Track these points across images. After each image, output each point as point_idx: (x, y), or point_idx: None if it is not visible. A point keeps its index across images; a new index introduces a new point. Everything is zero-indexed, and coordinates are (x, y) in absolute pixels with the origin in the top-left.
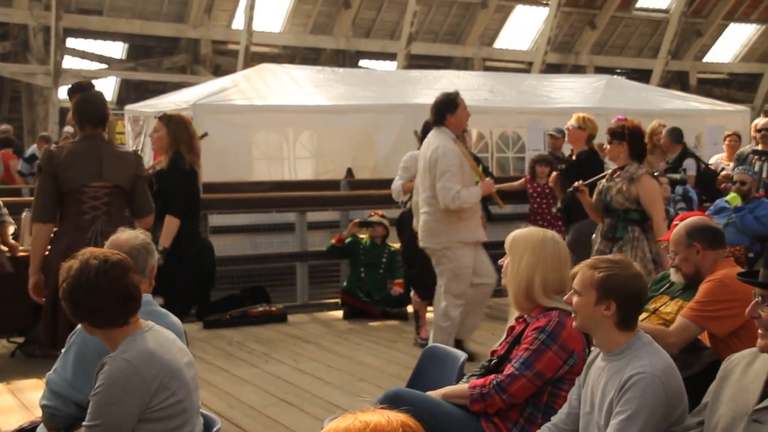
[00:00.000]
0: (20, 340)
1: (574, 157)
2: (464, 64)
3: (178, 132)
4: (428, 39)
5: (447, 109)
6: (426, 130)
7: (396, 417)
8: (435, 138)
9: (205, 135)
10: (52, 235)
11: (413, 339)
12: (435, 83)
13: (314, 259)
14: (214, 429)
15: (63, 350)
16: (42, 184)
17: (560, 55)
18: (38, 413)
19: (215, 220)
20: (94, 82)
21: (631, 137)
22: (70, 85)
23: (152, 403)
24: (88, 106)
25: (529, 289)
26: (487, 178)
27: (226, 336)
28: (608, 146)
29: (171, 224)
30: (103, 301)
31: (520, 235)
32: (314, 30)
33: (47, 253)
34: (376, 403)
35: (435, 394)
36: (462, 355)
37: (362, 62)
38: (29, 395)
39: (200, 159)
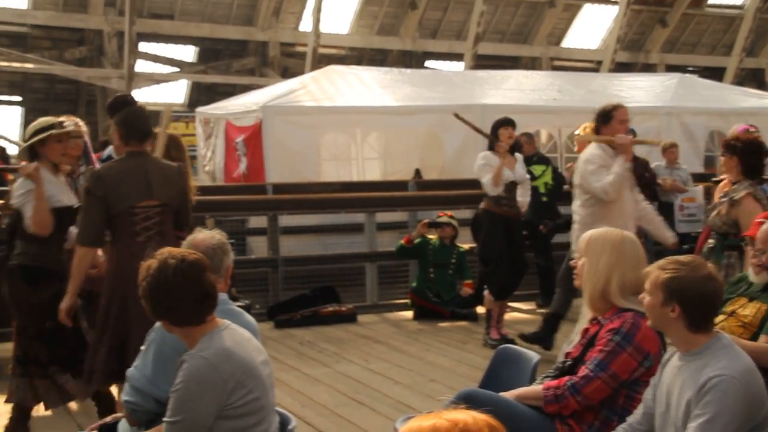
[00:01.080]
0: None
1: None
2: (531, 63)
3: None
4: (495, 39)
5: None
6: (494, 129)
7: (480, 416)
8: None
9: None
10: (107, 257)
11: (483, 340)
12: (503, 83)
13: (383, 259)
14: (289, 427)
15: (143, 347)
16: (89, 206)
17: (630, 54)
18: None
19: (285, 220)
20: (167, 84)
21: (743, 151)
22: (109, 101)
23: (230, 400)
24: (136, 120)
25: (605, 290)
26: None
27: (296, 335)
28: (722, 159)
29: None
30: (181, 299)
31: (596, 234)
32: (381, 31)
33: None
34: (450, 403)
35: (509, 395)
36: (535, 357)
37: (428, 63)
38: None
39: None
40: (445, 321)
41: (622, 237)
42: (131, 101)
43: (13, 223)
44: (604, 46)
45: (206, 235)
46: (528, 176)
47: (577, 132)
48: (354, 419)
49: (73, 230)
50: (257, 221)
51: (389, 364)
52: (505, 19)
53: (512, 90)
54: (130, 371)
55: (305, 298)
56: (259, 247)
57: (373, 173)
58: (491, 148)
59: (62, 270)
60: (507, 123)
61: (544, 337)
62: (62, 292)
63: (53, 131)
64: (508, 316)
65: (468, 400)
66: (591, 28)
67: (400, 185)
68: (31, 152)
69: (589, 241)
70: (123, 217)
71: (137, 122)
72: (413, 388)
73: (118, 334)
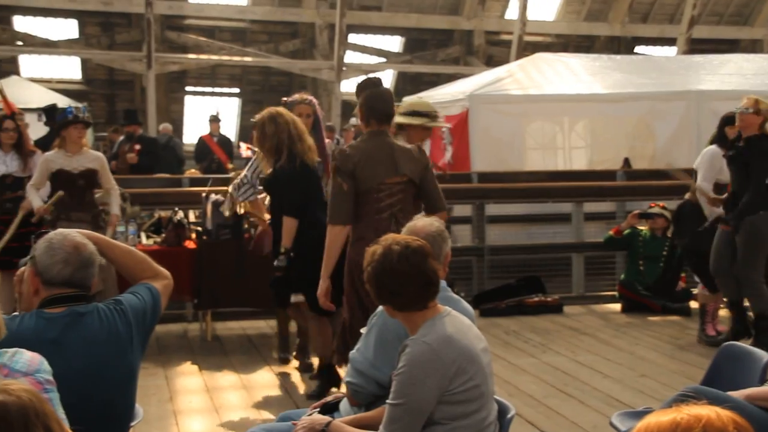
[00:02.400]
0: None
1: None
2: (752, 46)
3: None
4: (712, 21)
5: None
6: (723, 125)
7: (725, 413)
8: None
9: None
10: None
11: (697, 336)
12: (720, 68)
13: (590, 250)
14: (509, 415)
15: (364, 331)
16: (338, 185)
17: None
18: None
19: (491, 209)
20: (374, 75)
21: None
22: (358, 81)
23: (451, 386)
24: (377, 102)
25: None
26: None
27: (502, 325)
28: None
29: (289, 224)
30: (404, 285)
31: None
32: (588, 17)
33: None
34: (674, 400)
35: (737, 394)
36: (765, 355)
37: (638, 48)
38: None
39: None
40: (655, 315)
41: None
42: (377, 83)
43: None
44: None
45: (426, 222)
46: None
47: (744, 106)
48: (563, 411)
49: None
50: (461, 210)
51: (597, 357)
52: (723, 0)
53: (731, 75)
54: (353, 354)
55: (510, 288)
56: (462, 236)
57: (579, 162)
58: (719, 141)
59: None
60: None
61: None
62: None
63: None
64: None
65: (694, 398)
66: None
67: (608, 175)
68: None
69: None
70: (369, 194)
71: (378, 104)
72: (623, 383)
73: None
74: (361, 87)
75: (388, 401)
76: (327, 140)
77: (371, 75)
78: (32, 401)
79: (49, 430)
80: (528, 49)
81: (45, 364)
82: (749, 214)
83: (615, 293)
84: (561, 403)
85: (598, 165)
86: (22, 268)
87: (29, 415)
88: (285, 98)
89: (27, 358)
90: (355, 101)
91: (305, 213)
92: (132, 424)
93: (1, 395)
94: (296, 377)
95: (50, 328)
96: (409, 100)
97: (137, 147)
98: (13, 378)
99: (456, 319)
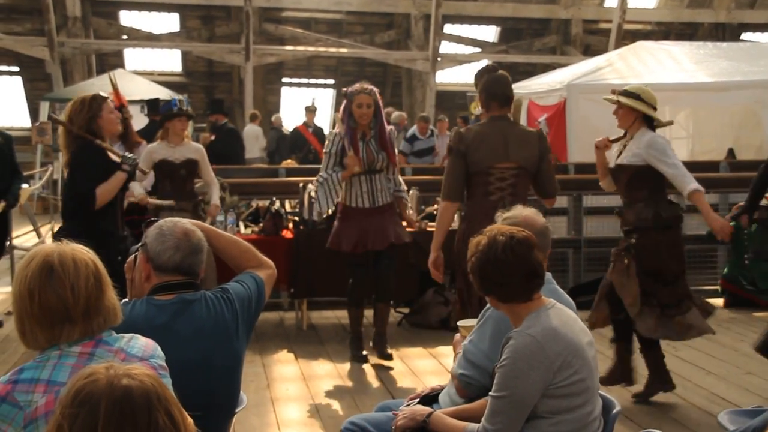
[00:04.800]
0: (406, 310)
1: None
2: None
3: None
4: None
5: None
6: None
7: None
8: None
9: None
10: (462, 214)
11: None
12: None
13: (691, 243)
14: (614, 411)
15: (479, 321)
16: (451, 164)
17: None
18: (427, 381)
19: (589, 201)
20: (468, 65)
21: None
22: (477, 70)
23: (555, 379)
24: (495, 85)
25: None
26: None
27: None
28: None
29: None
30: (509, 276)
31: None
32: (691, 3)
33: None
34: None
35: None
36: None
37: (745, 35)
38: (416, 363)
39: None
40: (760, 311)
41: None
42: (494, 69)
43: None
44: None
45: (531, 212)
46: None
47: None
48: (665, 408)
49: None
50: (556, 201)
51: (700, 353)
52: None
53: None
54: (466, 345)
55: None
56: (558, 228)
57: (680, 153)
58: None
59: None
60: None
61: None
62: None
63: None
64: None
65: None
66: None
67: (711, 166)
68: None
69: None
70: (479, 176)
71: (496, 88)
72: (728, 380)
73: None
74: (478, 75)
75: (490, 393)
76: (389, 126)
77: (488, 64)
78: (155, 386)
79: (171, 414)
80: (627, 37)
81: (159, 350)
82: None
83: (717, 288)
84: (662, 399)
85: (700, 156)
86: (133, 255)
87: (152, 400)
88: (345, 89)
89: (142, 343)
90: (449, 91)
91: None
92: (237, 410)
93: (125, 379)
94: (392, 368)
95: (160, 315)
96: (637, 84)
97: (211, 137)
98: (129, 363)
99: (561, 311)
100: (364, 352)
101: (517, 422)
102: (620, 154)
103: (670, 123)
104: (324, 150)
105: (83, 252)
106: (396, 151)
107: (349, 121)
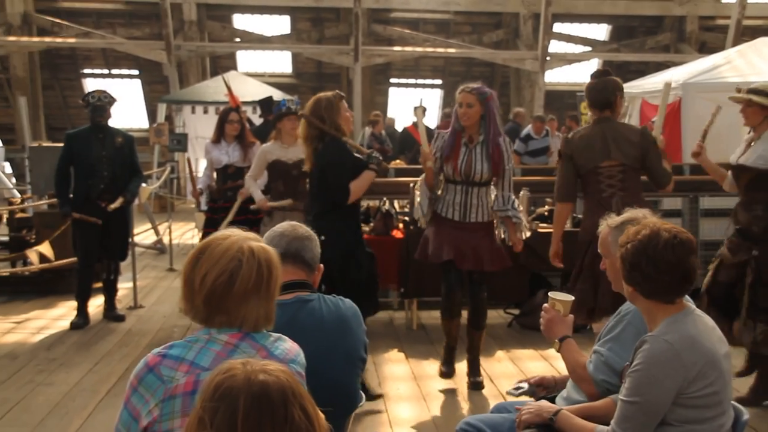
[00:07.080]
0: (516, 311)
1: None
2: None
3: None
4: None
5: None
6: None
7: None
8: None
9: None
10: (582, 214)
11: None
12: None
13: None
14: (743, 419)
15: (617, 327)
16: (561, 167)
17: None
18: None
19: (706, 202)
20: (578, 64)
21: None
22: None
23: (689, 389)
24: (591, 92)
25: None
26: None
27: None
28: None
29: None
30: (662, 273)
31: None
32: None
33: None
34: None
35: None
36: None
37: None
38: (527, 364)
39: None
40: None
41: None
42: (603, 74)
43: None
44: None
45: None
46: None
47: None
48: None
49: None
50: (670, 202)
51: None
52: None
53: None
54: (606, 352)
55: None
56: None
57: None
58: None
59: None
60: None
61: None
62: None
63: None
64: None
65: None
66: None
67: None
68: None
69: None
70: (590, 176)
71: (592, 94)
72: None
73: (592, 275)
74: (591, 77)
75: (621, 397)
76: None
77: (600, 67)
78: (290, 382)
79: (305, 410)
80: (746, 34)
81: (301, 356)
82: None
83: None
84: None
85: None
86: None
87: (288, 395)
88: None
89: (287, 346)
90: (557, 91)
91: None
92: (358, 406)
93: (261, 375)
94: (504, 370)
95: (282, 313)
96: (765, 82)
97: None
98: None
99: (700, 318)
100: (453, 367)
101: (647, 428)
102: (744, 152)
103: None
104: None
105: (271, 253)
106: (510, 155)
107: (456, 122)
